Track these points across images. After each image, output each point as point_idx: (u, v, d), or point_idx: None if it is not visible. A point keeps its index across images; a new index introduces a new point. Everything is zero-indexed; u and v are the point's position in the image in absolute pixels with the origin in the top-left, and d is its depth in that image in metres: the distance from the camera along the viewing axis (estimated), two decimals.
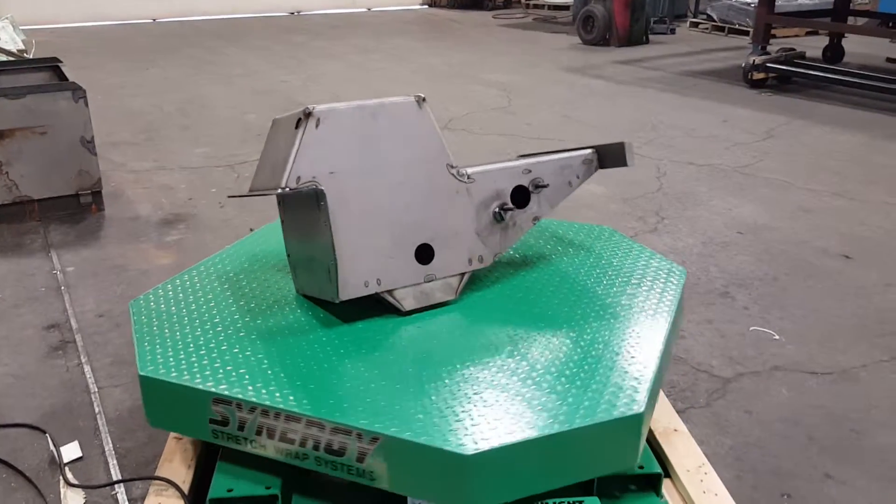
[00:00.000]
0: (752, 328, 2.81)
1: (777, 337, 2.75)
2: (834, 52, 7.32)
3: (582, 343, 1.77)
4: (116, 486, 2.01)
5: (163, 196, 4.09)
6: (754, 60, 6.44)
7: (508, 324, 1.87)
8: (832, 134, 5.24)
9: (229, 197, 1.87)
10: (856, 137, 5.16)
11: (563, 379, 1.63)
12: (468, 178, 1.94)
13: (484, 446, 1.43)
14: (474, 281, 2.04)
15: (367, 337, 1.82)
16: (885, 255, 3.42)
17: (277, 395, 1.60)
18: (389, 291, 1.86)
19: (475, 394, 1.59)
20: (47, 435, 2.19)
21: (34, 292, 3.07)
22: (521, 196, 2.04)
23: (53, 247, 3.47)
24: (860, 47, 7.95)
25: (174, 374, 1.68)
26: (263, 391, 1.61)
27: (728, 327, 2.81)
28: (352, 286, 1.80)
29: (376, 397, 1.58)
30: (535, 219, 2.07)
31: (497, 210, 1.98)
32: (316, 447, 1.54)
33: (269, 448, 1.59)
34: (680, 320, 2.06)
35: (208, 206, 3.95)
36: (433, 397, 1.57)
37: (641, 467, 1.76)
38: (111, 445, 2.18)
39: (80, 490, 1.99)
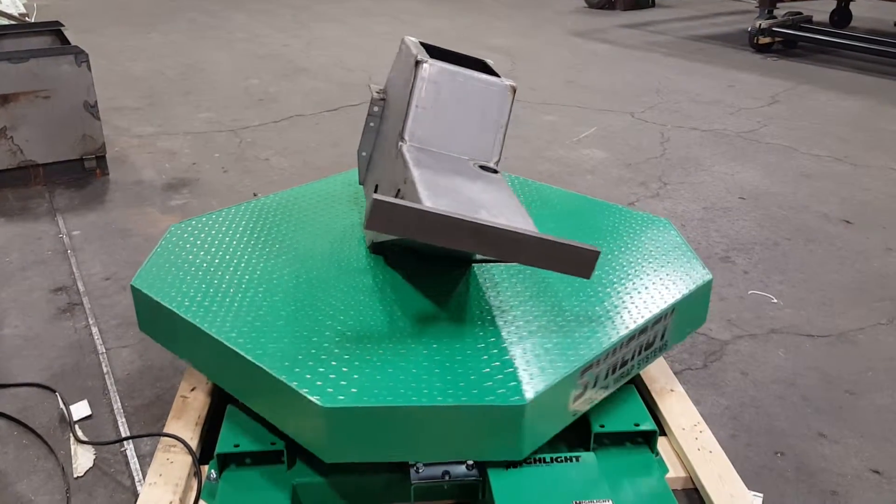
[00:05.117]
0: (751, 292, 2.83)
1: (776, 300, 2.78)
2: (841, 16, 7.23)
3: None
4: (125, 442, 2.06)
5: (166, 161, 4.10)
6: (760, 24, 6.38)
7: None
8: (837, 99, 5.21)
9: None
10: (861, 103, 5.13)
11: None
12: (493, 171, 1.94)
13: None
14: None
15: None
16: (886, 219, 3.43)
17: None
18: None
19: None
20: (57, 394, 2.24)
21: (41, 255, 3.10)
22: None
23: (59, 211, 3.50)
24: (868, 11, 7.86)
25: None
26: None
27: (727, 291, 2.83)
28: (370, 182, 2.15)
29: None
30: None
31: None
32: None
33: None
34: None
35: (212, 170, 3.97)
36: None
37: (637, 425, 1.80)
38: (119, 404, 2.22)
39: (89, 447, 2.05)
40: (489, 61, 2.09)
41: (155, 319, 1.92)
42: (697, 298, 1.99)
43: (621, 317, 1.80)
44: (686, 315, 1.96)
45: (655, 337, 1.86)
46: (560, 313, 1.81)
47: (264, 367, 1.60)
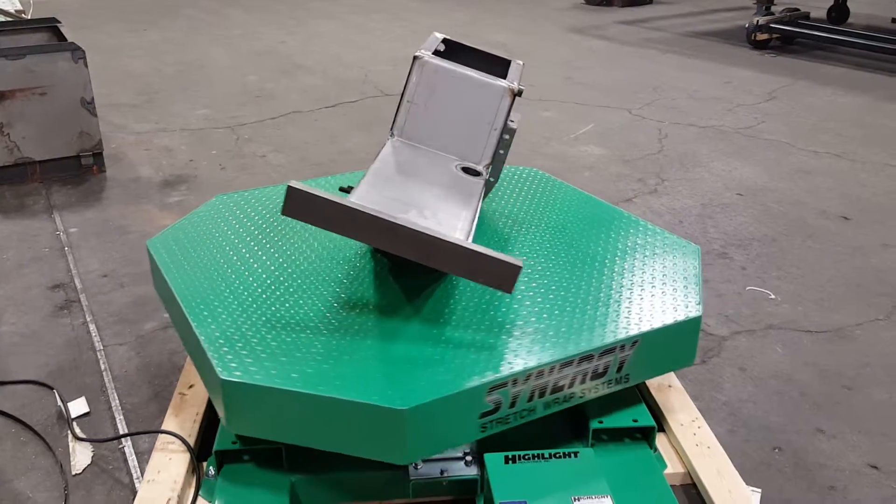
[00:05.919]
0: (748, 288, 2.83)
1: (773, 296, 2.78)
2: (839, 13, 7.23)
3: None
4: (123, 439, 2.06)
5: (164, 158, 4.10)
6: (758, 21, 6.38)
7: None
8: (835, 95, 5.21)
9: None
10: (859, 99, 5.13)
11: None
12: (476, 174, 1.92)
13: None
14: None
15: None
16: (884, 215, 3.43)
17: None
18: None
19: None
20: (55, 391, 2.23)
21: (38, 253, 3.10)
22: None
23: (56, 208, 3.49)
24: (865, 7, 7.86)
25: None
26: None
27: (725, 287, 2.83)
28: None
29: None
30: None
31: None
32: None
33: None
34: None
35: (209, 167, 3.96)
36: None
37: (635, 420, 1.80)
38: (117, 401, 2.22)
39: (87, 444, 2.04)
40: (518, 62, 2.06)
41: (156, 280, 2.07)
42: (676, 335, 1.79)
43: (565, 340, 1.66)
44: (658, 351, 1.78)
45: (607, 368, 1.70)
46: (509, 328, 1.71)
47: (198, 335, 1.68)
